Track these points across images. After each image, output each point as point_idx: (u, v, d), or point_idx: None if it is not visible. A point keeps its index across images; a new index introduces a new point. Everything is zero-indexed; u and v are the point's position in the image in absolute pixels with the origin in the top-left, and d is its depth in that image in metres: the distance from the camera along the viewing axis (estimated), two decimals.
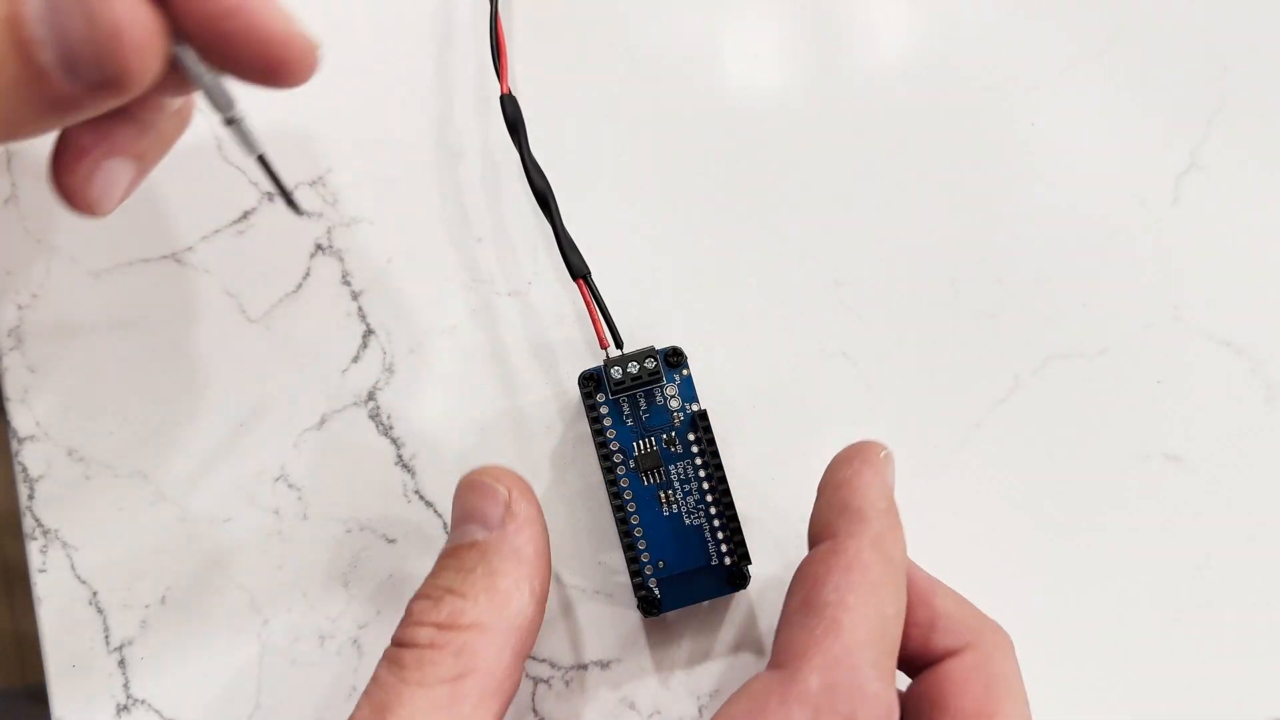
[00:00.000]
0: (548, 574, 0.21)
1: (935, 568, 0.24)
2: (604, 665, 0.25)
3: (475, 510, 0.22)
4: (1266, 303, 0.28)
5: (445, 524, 0.26)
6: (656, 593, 0.23)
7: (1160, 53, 0.30)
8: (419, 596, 0.21)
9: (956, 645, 0.21)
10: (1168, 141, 0.29)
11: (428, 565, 0.25)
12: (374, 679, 0.20)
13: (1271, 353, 0.28)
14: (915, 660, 0.22)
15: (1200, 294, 0.28)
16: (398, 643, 0.20)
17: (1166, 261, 0.28)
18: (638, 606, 0.24)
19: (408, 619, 0.20)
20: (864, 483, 0.21)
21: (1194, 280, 0.28)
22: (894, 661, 0.20)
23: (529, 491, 0.22)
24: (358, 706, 0.19)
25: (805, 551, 0.23)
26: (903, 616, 0.20)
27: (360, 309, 0.27)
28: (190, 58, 0.18)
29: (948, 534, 0.26)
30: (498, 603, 0.20)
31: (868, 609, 0.19)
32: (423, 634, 0.20)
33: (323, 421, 0.26)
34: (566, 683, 0.25)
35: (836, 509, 0.21)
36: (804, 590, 0.20)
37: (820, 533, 0.21)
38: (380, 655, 0.25)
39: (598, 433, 0.24)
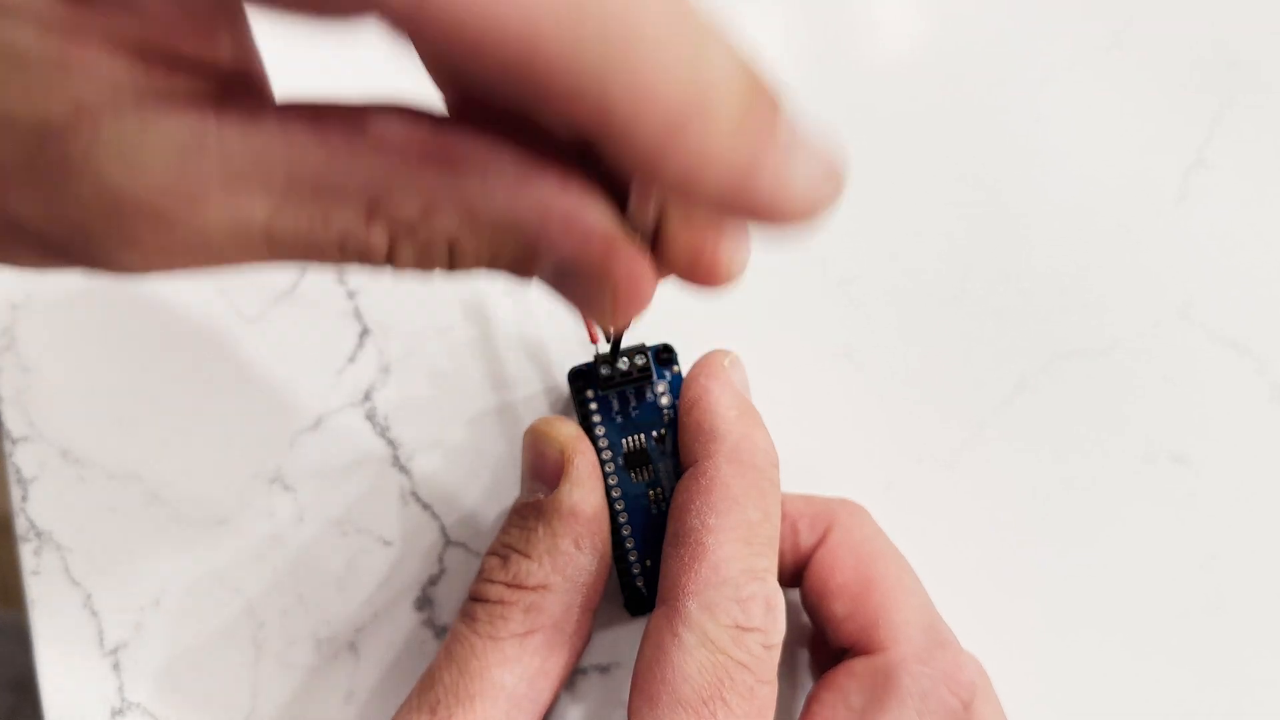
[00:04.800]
0: (607, 528, 0.22)
1: (938, 567, 0.24)
2: (603, 669, 0.25)
3: (536, 467, 0.22)
4: (1273, 302, 0.28)
5: (442, 526, 0.25)
6: (644, 591, 0.23)
7: (1167, 49, 0.29)
8: (490, 552, 0.22)
9: (820, 536, 0.23)
10: (1174, 138, 0.29)
11: (425, 567, 0.25)
12: (451, 631, 0.21)
13: (1277, 353, 0.27)
14: (795, 567, 0.23)
15: (1207, 293, 0.28)
16: (472, 596, 0.21)
17: (1173, 260, 0.28)
18: (625, 605, 0.23)
19: (481, 574, 0.22)
20: (713, 399, 0.22)
21: (1201, 279, 0.28)
22: (771, 559, 0.20)
23: (585, 446, 0.22)
24: (436, 656, 0.21)
25: None
26: (774, 515, 0.21)
27: (356, 308, 0.26)
28: None
29: (952, 533, 0.26)
30: (560, 562, 0.21)
31: (730, 523, 0.20)
32: (493, 591, 0.21)
33: (319, 422, 0.26)
34: (567, 688, 0.25)
35: (692, 433, 0.22)
36: (674, 522, 0.21)
37: (685, 461, 0.22)
38: (377, 657, 0.25)
39: (587, 429, 0.23)
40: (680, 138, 0.12)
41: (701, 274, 0.16)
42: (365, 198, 0.14)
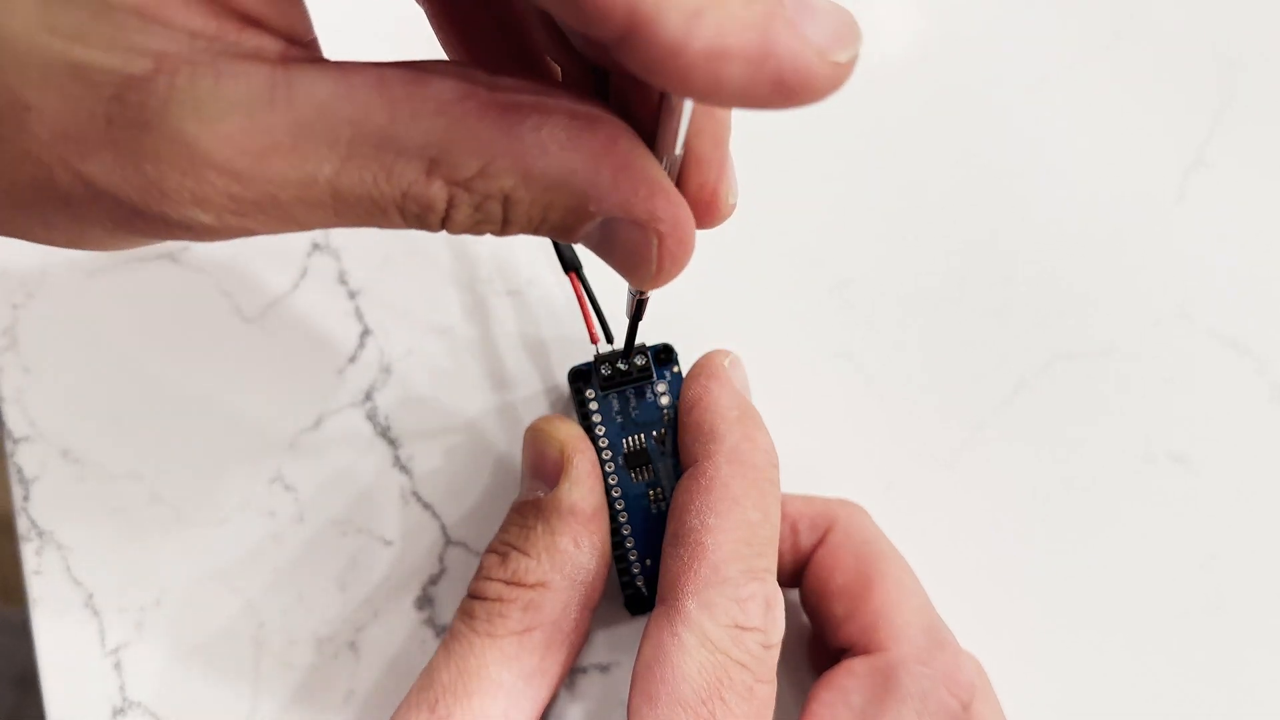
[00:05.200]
0: (606, 527, 0.22)
1: (938, 567, 0.24)
2: (603, 669, 0.25)
3: (536, 465, 0.23)
4: (1272, 302, 0.28)
5: (442, 525, 0.25)
6: (644, 590, 0.23)
7: (1166, 49, 0.29)
8: (489, 550, 0.22)
9: (820, 536, 0.23)
10: (1174, 138, 0.29)
11: (425, 567, 0.25)
12: (450, 629, 0.21)
13: (1276, 352, 0.27)
14: (795, 567, 0.23)
15: (1206, 293, 0.28)
16: (471, 594, 0.21)
17: (1172, 260, 0.28)
18: (625, 604, 0.23)
19: (479, 572, 0.22)
20: (712, 399, 0.22)
21: (1200, 279, 0.28)
22: (770, 559, 0.20)
23: (585, 445, 0.22)
24: (436, 654, 0.21)
25: None
26: (774, 515, 0.21)
27: (357, 308, 0.26)
28: None
29: (952, 533, 0.26)
30: (559, 560, 0.21)
31: (729, 523, 0.20)
32: (492, 588, 0.21)
33: (319, 422, 0.26)
34: (567, 687, 0.25)
35: (692, 433, 0.22)
36: (674, 522, 0.21)
37: (686, 461, 0.22)
38: (377, 657, 0.25)
39: (587, 429, 0.23)
40: (699, 23, 0.12)
41: (704, 209, 0.17)
42: (427, 155, 0.14)
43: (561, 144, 0.15)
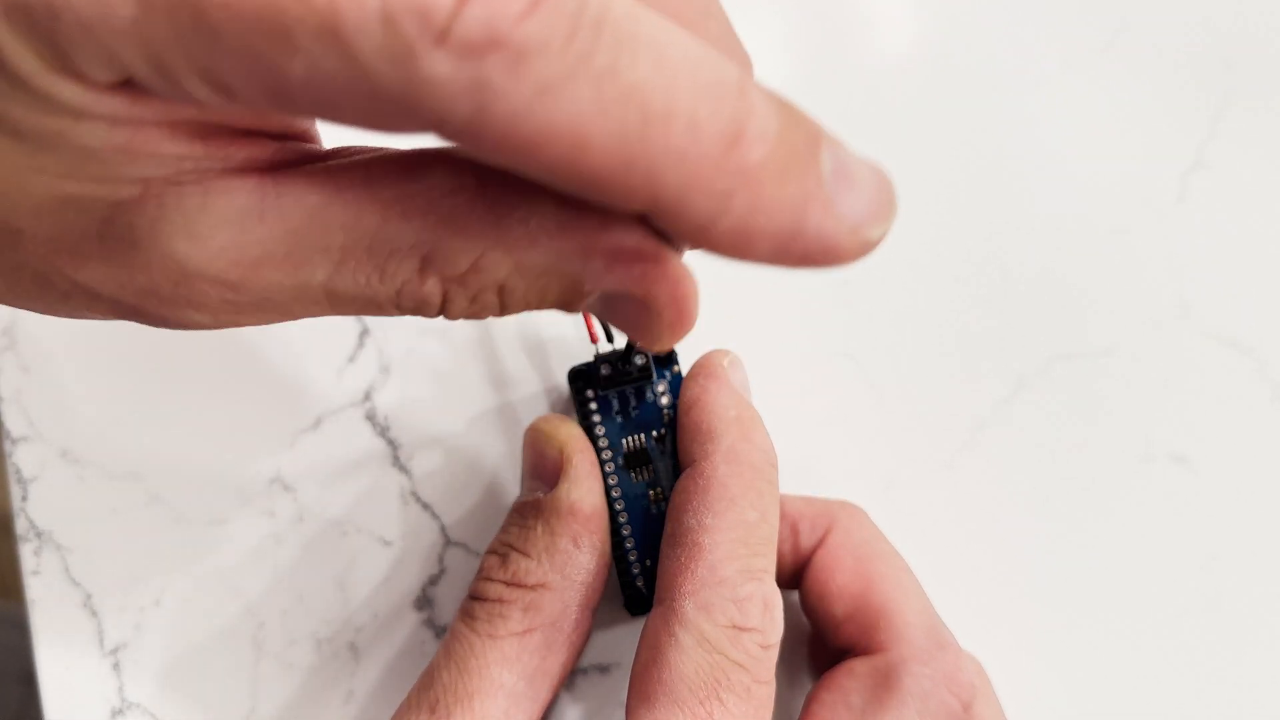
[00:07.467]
0: (606, 526, 0.22)
1: (938, 567, 0.24)
2: (603, 670, 0.25)
3: (536, 465, 0.23)
4: (1272, 302, 0.28)
5: (442, 526, 0.25)
6: (644, 591, 0.23)
7: (1165, 49, 0.29)
8: (490, 551, 0.22)
9: (820, 537, 0.23)
10: (1173, 139, 0.29)
11: (425, 567, 0.25)
12: (450, 630, 0.21)
13: (1277, 353, 0.27)
14: (795, 568, 0.23)
15: (1206, 293, 0.28)
16: (472, 595, 0.21)
17: (1172, 260, 0.28)
18: (625, 605, 0.23)
19: (480, 573, 0.22)
20: (710, 399, 0.22)
21: (1200, 279, 0.28)
22: (768, 559, 0.20)
23: (584, 445, 0.22)
24: (436, 655, 0.21)
25: None
26: (772, 515, 0.21)
27: None
28: None
29: (950, 534, 0.26)
30: (559, 561, 0.21)
31: (726, 523, 0.20)
32: (492, 589, 0.21)
33: (318, 423, 0.26)
34: (566, 688, 0.25)
35: (690, 433, 0.22)
36: (671, 522, 0.21)
37: (684, 461, 0.22)
38: (377, 657, 0.25)
39: (587, 429, 0.23)
40: (729, 204, 0.12)
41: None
42: (419, 255, 0.14)
43: (551, 234, 0.15)
